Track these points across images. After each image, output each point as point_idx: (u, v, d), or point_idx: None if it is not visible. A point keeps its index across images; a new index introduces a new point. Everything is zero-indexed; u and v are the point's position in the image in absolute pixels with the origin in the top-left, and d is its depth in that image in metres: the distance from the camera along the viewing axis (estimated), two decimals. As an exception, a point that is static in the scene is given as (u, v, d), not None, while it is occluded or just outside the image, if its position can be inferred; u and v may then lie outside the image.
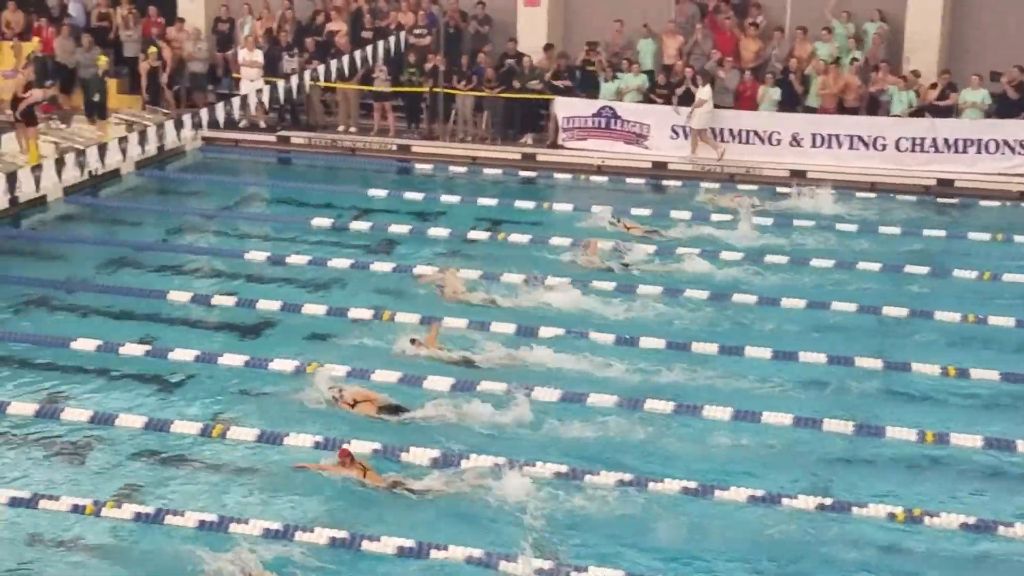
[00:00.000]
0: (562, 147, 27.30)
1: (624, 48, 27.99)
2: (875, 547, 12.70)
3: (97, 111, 26.24)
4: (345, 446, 13.71)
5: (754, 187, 25.42)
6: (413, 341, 16.76)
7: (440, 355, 16.57)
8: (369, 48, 27.98)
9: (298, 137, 28.12)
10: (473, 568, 12.05)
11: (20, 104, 24.32)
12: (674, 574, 12.27)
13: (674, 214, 23.31)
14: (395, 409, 14.99)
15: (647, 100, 27.14)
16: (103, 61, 27.15)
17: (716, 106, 26.62)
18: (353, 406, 15.04)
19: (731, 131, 26.62)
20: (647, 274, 20.12)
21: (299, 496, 13.36)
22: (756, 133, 26.59)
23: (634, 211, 23.17)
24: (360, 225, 22.64)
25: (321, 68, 27.71)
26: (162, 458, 14.20)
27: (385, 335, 17.46)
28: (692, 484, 13.50)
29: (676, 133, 26.89)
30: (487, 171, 26.62)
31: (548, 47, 27.96)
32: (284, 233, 22.30)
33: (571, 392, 15.51)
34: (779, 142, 26.51)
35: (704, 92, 26.42)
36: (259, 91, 27.11)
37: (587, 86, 27.60)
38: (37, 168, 22.88)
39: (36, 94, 24.99)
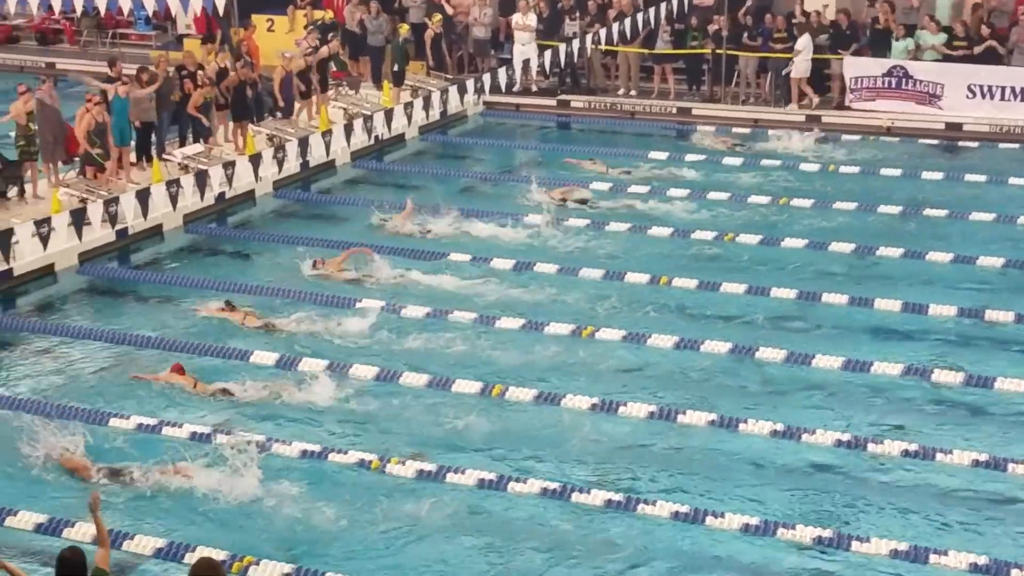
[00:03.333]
0: (849, 108, 26.42)
1: (920, 4, 26.81)
2: None
3: (395, 79, 26.80)
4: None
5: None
6: (315, 264, 18.41)
7: (337, 276, 18.29)
8: (651, 10, 27.64)
9: (578, 101, 28.08)
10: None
11: (312, 70, 24.94)
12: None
13: (655, 155, 24.30)
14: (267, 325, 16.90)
15: (944, 58, 25.96)
16: (405, 30, 27.73)
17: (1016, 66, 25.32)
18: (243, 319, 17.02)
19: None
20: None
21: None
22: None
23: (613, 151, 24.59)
24: (639, 189, 22.41)
25: (602, 31, 27.56)
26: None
27: (656, 297, 17.48)
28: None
29: (972, 92, 25.61)
30: (770, 133, 25.98)
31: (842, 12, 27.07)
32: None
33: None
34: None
35: (801, 42, 25.86)
36: (540, 55, 27.18)
37: (876, 45, 26.56)
38: (327, 133, 23.54)
39: (323, 50, 25.62)
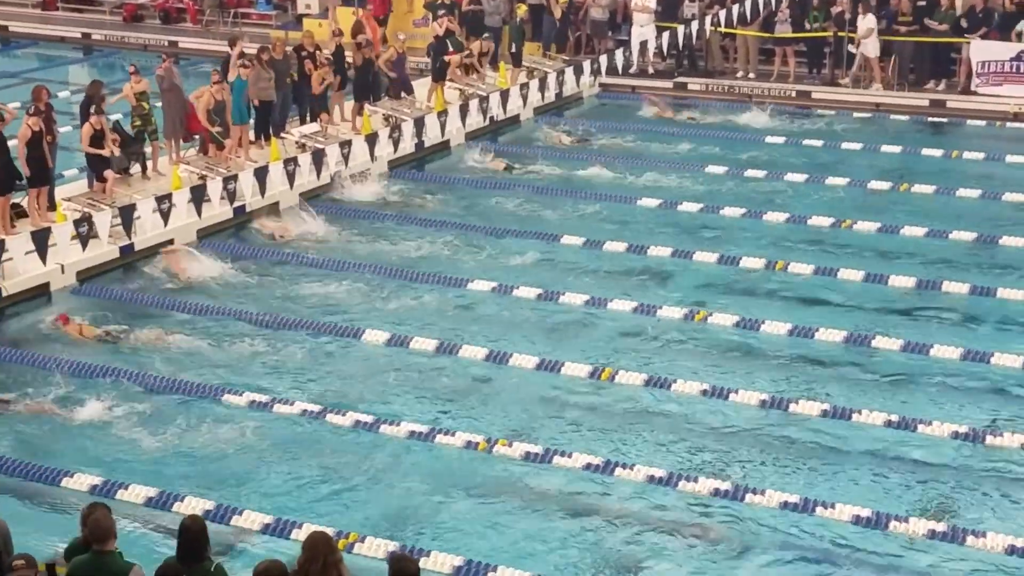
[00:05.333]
0: (975, 93, 25.77)
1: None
2: None
3: (514, 60, 26.75)
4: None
5: None
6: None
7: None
8: (772, -9, 27.26)
9: (695, 83, 27.77)
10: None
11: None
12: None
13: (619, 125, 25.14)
14: None
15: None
16: (522, 10, 27.66)
17: None
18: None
19: None
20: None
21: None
22: None
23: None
24: (756, 173, 22.12)
25: (722, 13, 27.21)
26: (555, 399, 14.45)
27: (771, 282, 17.33)
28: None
29: (1106, 77, 24.87)
30: (892, 118, 25.45)
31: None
32: (678, 180, 22.04)
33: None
34: None
35: (870, 20, 25.56)
36: (658, 37, 26.94)
37: (1006, 28, 25.84)
38: (443, 114, 23.59)
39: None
